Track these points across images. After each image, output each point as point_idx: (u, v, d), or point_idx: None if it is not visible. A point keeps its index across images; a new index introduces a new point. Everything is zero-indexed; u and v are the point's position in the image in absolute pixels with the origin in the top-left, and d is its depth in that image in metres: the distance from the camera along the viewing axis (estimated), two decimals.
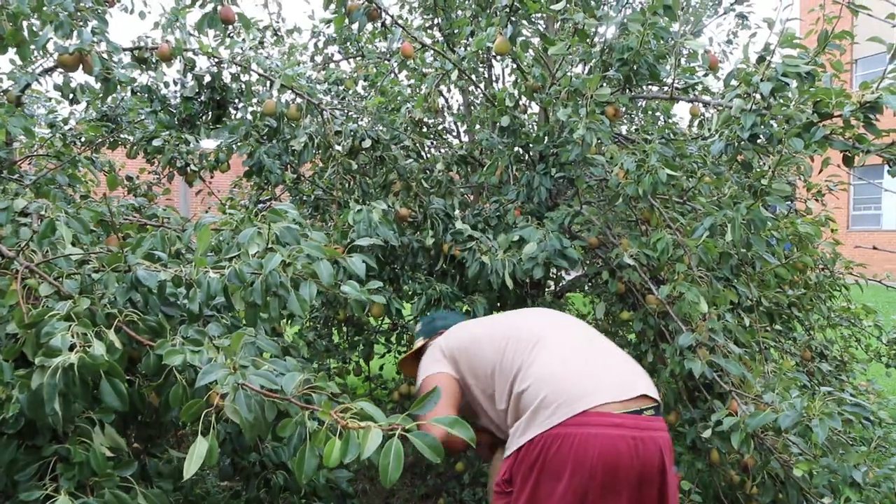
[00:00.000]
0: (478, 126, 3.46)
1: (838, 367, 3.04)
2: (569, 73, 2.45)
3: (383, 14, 2.53)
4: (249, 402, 0.94)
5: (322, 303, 2.69)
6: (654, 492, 1.47)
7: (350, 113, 2.93)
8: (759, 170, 2.35)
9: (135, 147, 2.91)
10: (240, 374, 0.96)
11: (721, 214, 2.16)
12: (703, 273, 2.30)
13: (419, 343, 2.00)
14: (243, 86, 2.85)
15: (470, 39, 3.04)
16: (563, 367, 1.53)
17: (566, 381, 1.49)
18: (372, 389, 3.55)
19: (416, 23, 3.52)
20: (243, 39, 2.76)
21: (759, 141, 2.04)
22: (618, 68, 2.34)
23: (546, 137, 2.69)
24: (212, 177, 3.08)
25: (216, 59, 2.73)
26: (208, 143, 3.11)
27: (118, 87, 2.19)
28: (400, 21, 2.74)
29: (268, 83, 2.71)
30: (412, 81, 3.68)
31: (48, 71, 2.61)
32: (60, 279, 1.25)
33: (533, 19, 2.70)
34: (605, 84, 2.33)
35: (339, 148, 2.73)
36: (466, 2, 3.22)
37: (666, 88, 2.55)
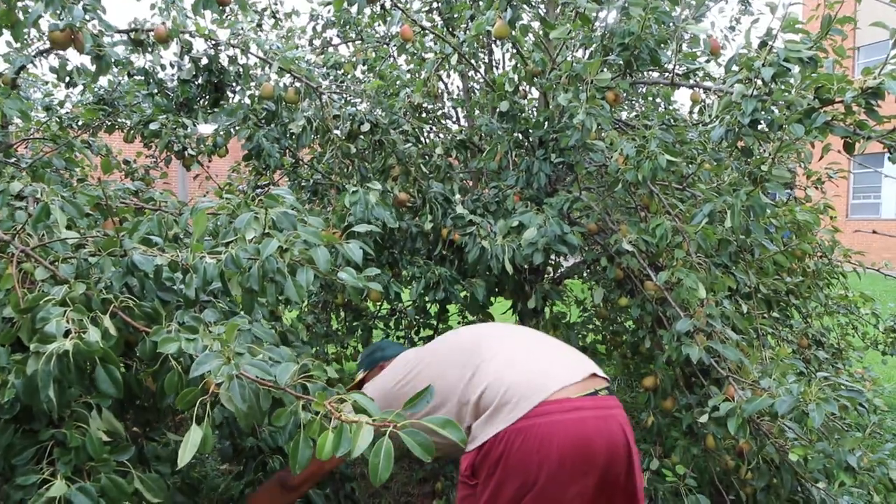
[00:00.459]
0: (477, 111, 3.44)
1: (835, 355, 3.05)
2: (569, 58, 2.43)
3: None
4: (244, 391, 0.94)
5: (320, 286, 2.69)
6: (622, 469, 1.50)
7: (349, 97, 2.91)
8: (759, 156, 2.34)
9: (132, 131, 2.89)
10: (234, 365, 0.96)
11: (720, 201, 2.16)
12: (702, 259, 2.29)
13: (360, 376, 2.01)
14: (241, 69, 2.82)
15: (470, 23, 3.00)
16: (514, 364, 1.54)
17: (520, 376, 1.50)
18: None
19: (415, 6, 3.48)
20: (241, 21, 2.73)
21: (759, 127, 2.02)
22: (619, 53, 2.32)
23: (546, 123, 2.68)
24: (209, 161, 3.07)
25: (213, 42, 2.70)
26: (206, 128, 3.09)
27: (112, 67, 2.17)
28: (399, 4, 2.71)
29: (266, 66, 2.69)
30: (411, 66, 3.65)
31: (43, 53, 2.59)
32: (56, 263, 1.24)
33: (533, 3, 2.67)
34: (605, 69, 2.31)
35: (337, 132, 2.72)
36: None
37: (667, 74, 2.53)
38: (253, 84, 2.87)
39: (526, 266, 2.52)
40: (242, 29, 2.70)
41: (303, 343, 2.08)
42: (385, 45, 3.73)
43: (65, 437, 1.09)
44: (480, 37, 2.99)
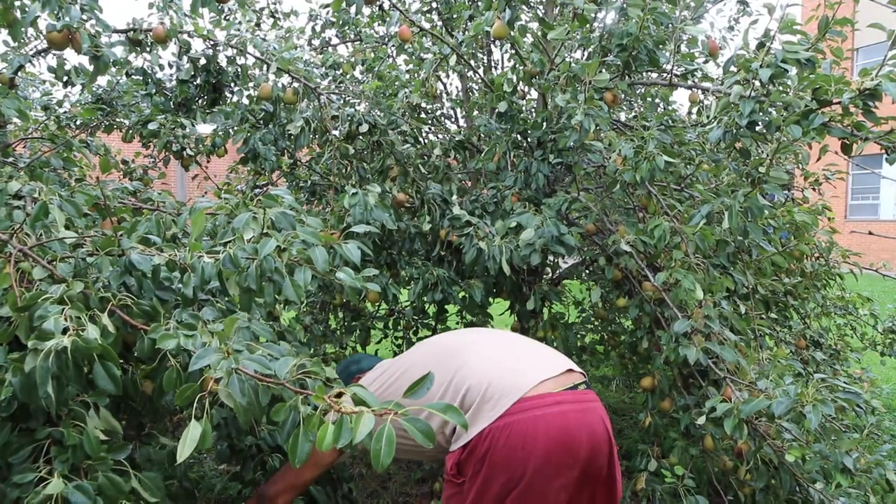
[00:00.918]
0: (476, 112, 3.44)
1: (833, 356, 3.05)
2: (568, 59, 2.43)
3: None
4: (243, 386, 0.94)
5: (319, 287, 2.69)
6: (604, 461, 1.52)
7: (347, 97, 2.91)
8: (757, 157, 2.34)
9: (130, 131, 2.88)
10: (233, 359, 0.96)
11: (718, 202, 2.16)
12: (700, 260, 2.30)
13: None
14: (239, 69, 2.82)
15: (468, 24, 3.01)
16: (493, 363, 1.56)
17: (500, 373, 1.52)
18: None
19: (414, 6, 3.48)
20: (239, 21, 2.73)
21: (757, 128, 2.03)
22: (617, 54, 2.32)
23: (544, 123, 2.68)
24: (208, 161, 3.07)
25: (212, 42, 2.70)
26: (205, 128, 3.09)
27: (110, 67, 2.16)
28: (398, 5, 2.71)
29: (264, 66, 2.69)
30: (410, 66, 3.65)
31: (42, 52, 2.59)
32: (54, 262, 1.24)
33: (532, 3, 2.67)
34: (603, 70, 2.32)
35: (335, 133, 2.72)
36: None
37: (665, 75, 2.54)
38: (251, 84, 2.87)
39: (524, 267, 2.52)
40: (241, 29, 2.70)
41: (301, 344, 2.07)
42: (384, 46, 3.73)
43: (62, 436, 1.09)
44: (479, 37, 2.99)
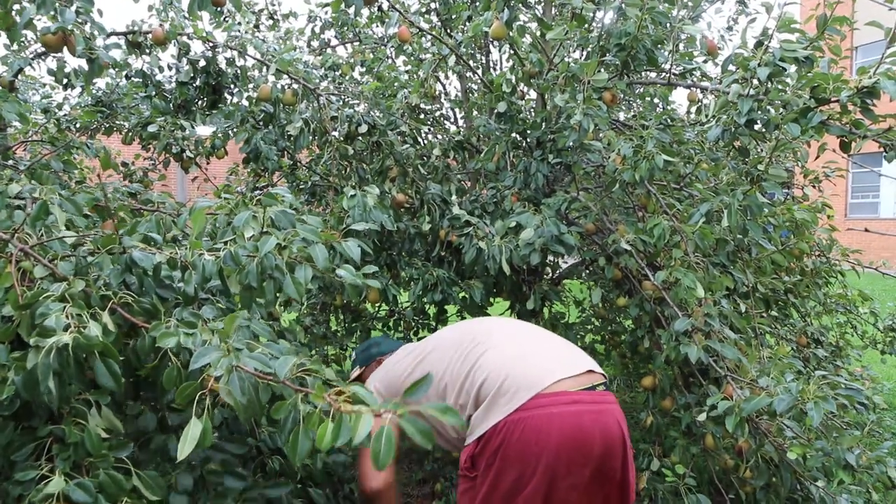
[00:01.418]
0: (475, 112, 3.44)
1: (834, 354, 3.05)
2: (566, 59, 2.44)
3: None
4: (243, 384, 0.94)
5: (319, 288, 2.69)
6: (618, 462, 1.52)
7: (346, 98, 2.92)
8: (755, 156, 2.35)
9: (130, 133, 2.89)
10: (234, 357, 0.96)
11: (718, 200, 2.16)
12: (700, 259, 2.30)
13: (355, 373, 2.02)
14: (239, 71, 2.83)
15: (467, 24, 3.01)
16: (513, 355, 1.56)
17: (519, 367, 1.52)
18: None
19: (413, 7, 3.49)
20: (238, 23, 2.74)
21: (756, 126, 2.03)
22: (615, 53, 2.33)
23: (543, 123, 2.68)
24: (208, 163, 3.07)
25: (211, 44, 2.71)
26: (204, 130, 3.10)
27: (105, 70, 2.17)
28: (397, 5, 2.72)
29: (263, 68, 2.70)
30: (409, 67, 3.66)
31: (41, 55, 2.59)
32: (55, 261, 1.25)
33: (530, 4, 2.68)
34: (602, 69, 2.32)
35: (335, 133, 2.72)
36: None
37: (664, 74, 2.54)
38: (251, 86, 2.87)
39: (524, 266, 2.52)
40: (240, 30, 2.71)
41: (301, 345, 2.07)
42: (383, 47, 3.74)
43: (63, 434, 1.09)
44: (478, 38, 2.99)
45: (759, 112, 1.98)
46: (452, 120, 3.84)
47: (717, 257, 2.48)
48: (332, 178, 2.79)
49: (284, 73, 2.61)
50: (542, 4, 2.87)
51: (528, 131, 2.74)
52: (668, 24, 2.33)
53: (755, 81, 1.99)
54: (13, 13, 1.93)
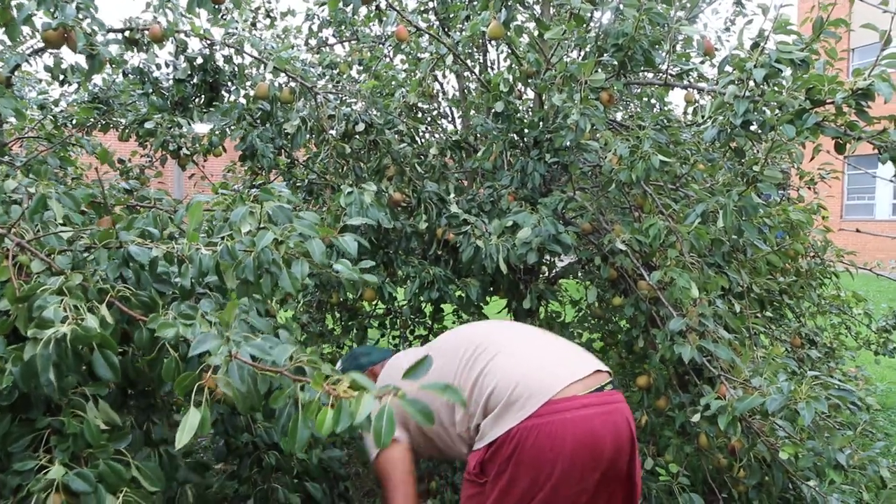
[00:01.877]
0: (472, 111, 3.45)
1: (828, 354, 3.07)
2: (564, 59, 2.45)
3: None
4: (242, 373, 0.94)
5: (315, 285, 2.69)
6: (626, 460, 1.54)
7: (344, 97, 2.92)
8: (751, 157, 2.36)
9: (127, 130, 2.89)
10: (233, 344, 0.96)
11: (713, 201, 2.17)
12: (695, 259, 2.31)
13: None
14: (236, 68, 2.83)
15: (465, 24, 3.02)
16: (521, 361, 1.56)
17: (529, 373, 1.52)
18: None
19: (411, 6, 3.49)
20: (235, 20, 2.74)
21: (751, 127, 2.04)
22: (613, 54, 2.34)
23: (540, 123, 2.69)
24: (205, 160, 3.07)
25: (208, 41, 2.71)
26: (202, 127, 3.10)
27: (106, 66, 2.17)
28: (395, 4, 2.72)
29: (261, 66, 2.70)
30: (407, 66, 3.66)
31: (38, 52, 2.59)
32: (52, 256, 1.25)
33: (528, 3, 2.68)
34: (599, 70, 2.33)
35: (332, 132, 2.72)
36: None
37: (661, 75, 2.55)
38: (248, 83, 2.88)
39: (521, 266, 2.53)
40: (237, 28, 2.71)
41: (297, 342, 2.07)
42: (380, 45, 3.74)
43: (62, 425, 1.09)
44: (475, 37, 3.00)
45: (755, 113, 1.99)
46: (450, 119, 3.85)
47: (712, 258, 2.49)
48: (329, 177, 2.79)
49: (282, 71, 2.61)
50: (540, 4, 2.88)
51: (526, 131, 2.74)
52: (665, 25, 2.34)
53: (751, 83, 2.00)
54: (11, 9, 1.93)
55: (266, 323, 1.29)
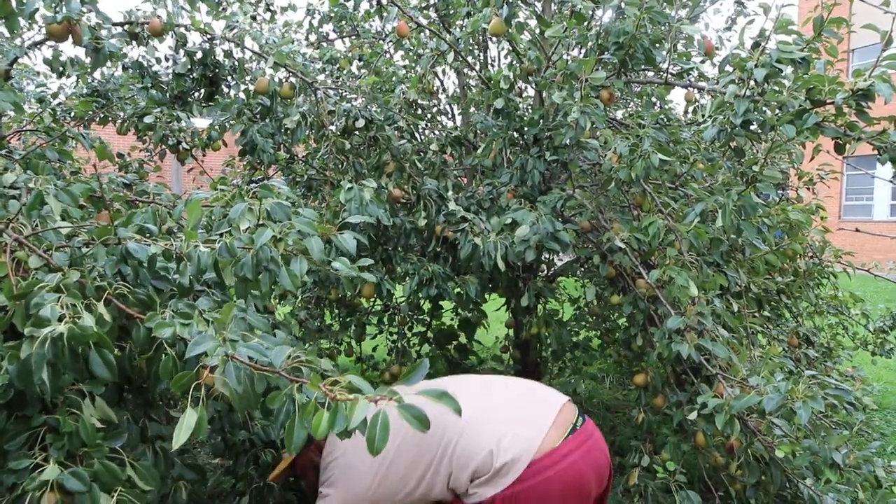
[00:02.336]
0: (473, 108, 3.44)
1: (825, 354, 3.08)
2: (565, 56, 2.44)
3: None
4: (239, 374, 0.95)
5: (314, 282, 2.69)
6: (606, 484, 1.63)
7: (344, 92, 2.91)
8: (751, 156, 2.36)
9: (125, 123, 2.88)
10: (229, 346, 0.96)
11: (712, 200, 2.17)
12: (694, 258, 2.31)
13: (288, 457, 1.83)
14: (236, 63, 2.82)
15: (466, 20, 3.01)
16: (494, 427, 1.53)
17: (504, 436, 1.50)
18: (363, 370, 3.58)
19: (412, 2, 3.48)
20: (236, 14, 2.72)
21: (751, 127, 2.04)
22: (613, 52, 2.33)
23: (541, 120, 2.69)
24: (204, 155, 3.06)
25: (209, 36, 2.70)
26: (201, 122, 3.09)
27: (108, 60, 2.16)
28: (396, 0, 2.71)
29: (261, 60, 2.69)
30: (407, 62, 3.65)
31: (38, 44, 2.57)
32: (50, 252, 1.25)
33: (529, 1, 2.68)
34: (600, 68, 2.33)
35: (332, 128, 2.72)
36: None
37: (661, 73, 2.55)
38: (248, 78, 2.86)
39: (519, 263, 2.53)
40: (238, 22, 2.70)
41: (296, 338, 2.07)
42: (381, 41, 3.73)
43: (58, 423, 1.09)
44: (476, 34, 2.99)
45: (756, 113, 1.99)
46: (450, 116, 3.84)
47: (710, 257, 2.49)
48: (329, 173, 2.78)
49: (282, 66, 2.60)
50: (542, 2, 2.87)
51: (526, 128, 2.74)
52: (666, 24, 2.33)
53: (752, 82, 2.00)
54: (11, 1, 1.92)
55: (264, 321, 1.29)
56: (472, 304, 2.81)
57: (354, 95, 2.96)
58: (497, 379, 1.78)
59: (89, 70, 2.22)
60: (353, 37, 3.89)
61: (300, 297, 3.04)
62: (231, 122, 2.78)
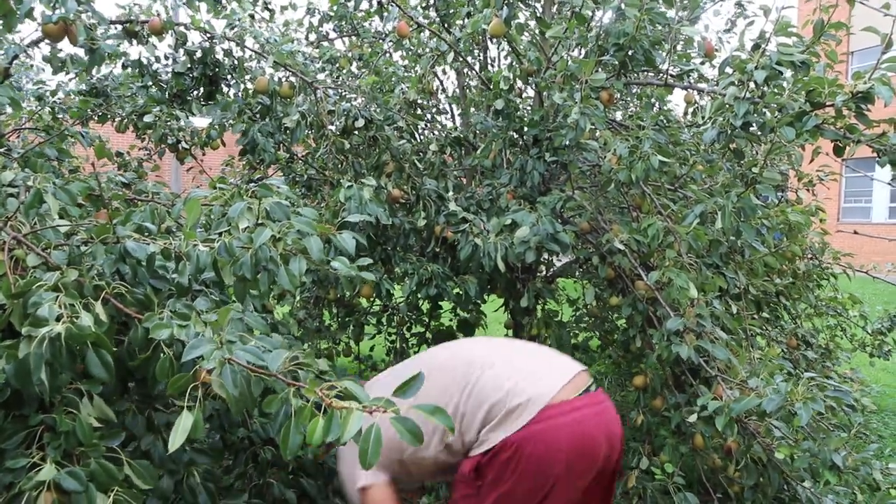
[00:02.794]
0: (472, 109, 3.44)
1: (823, 356, 3.08)
2: (565, 57, 2.44)
3: None
4: (235, 377, 0.94)
5: (312, 281, 2.69)
6: (617, 454, 1.59)
7: (344, 92, 2.91)
8: (750, 158, 2.36)
9: (124, 121, 2.87)
10: (226, 349, 0.96)
11: (712, 202, 2.17)
12: (693, 260, 2.31)
13: None
14: (236, 62, 2.81)
15: (466, 21, 3.01)
16: (512, 371, 1.58)
17: (520, 382, 1.54)
18: (362, 370, 3.57)
19: (412, 2, 3.48)
20: (236, 12, 2.72)
21: (751, 129, 2.04)
22: (613, 53, 2.33)
23: (540, 121, 2.69)
24: (203, 154, 3.06)
25: (208, 35, 2.69)
26: (200, 121, 3.08)
27: (105, 59, 2.16)
28: (396, 0, 2.71)
29: (261, 60, 2.68)
30: (407, 62, 3.65)
31: (36, 43, 2.57)
32: (48, 250, 1.24)
33: (529, 2, 2.67)
34: (600, 69, 2.33)
35: (332, 127, 2.71)
36: None
37: (661, 75, 2.55)
38: (248, 77, 2.86)
39: (518, 264, 2.53)
40: (238, 21, 2.70)
41: (294, 338, 2.07)
42: (381, 41, 3.73)
43: (55, 422, 1.09)
44: (476, 34, 2.99)
45: (755, 115, 1.99)
46: (449, 116, 3.84)
47: (710, 258, 2.49)
48: (328, 172, 2.78)
49: (282, 66, 2.60)
50: (542, 3, 2.87)
51: (525, 129, 2.74)
52: (666, 26, 2.33)
53: (752, 84, 2.00)
54: (9, 0, 1.91)
55: (262, 321, 1.29)
56: (471, 305, 2.80)
57: (354, 95, 2.95)
58: (517, 340, 1.81)
59: (87, 71, 2.22)
60: (353, 36, 3.88)
61: (299, 297, 3.03)
62: (231, 121, 2.78)
